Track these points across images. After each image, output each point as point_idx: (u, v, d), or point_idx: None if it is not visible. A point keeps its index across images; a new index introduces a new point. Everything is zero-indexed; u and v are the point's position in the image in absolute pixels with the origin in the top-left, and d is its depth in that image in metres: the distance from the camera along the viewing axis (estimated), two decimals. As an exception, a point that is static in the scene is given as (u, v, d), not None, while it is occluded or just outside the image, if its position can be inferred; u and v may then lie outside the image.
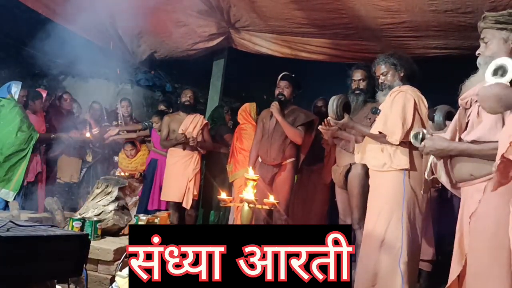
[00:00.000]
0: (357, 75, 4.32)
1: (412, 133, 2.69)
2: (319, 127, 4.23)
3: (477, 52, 2.46)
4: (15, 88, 5.08)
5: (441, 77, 5.03)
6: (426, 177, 2.65)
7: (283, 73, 4.78)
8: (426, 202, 3.42)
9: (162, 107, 6.54)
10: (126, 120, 6.51)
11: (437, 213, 4.53)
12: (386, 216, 3.31)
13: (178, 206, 5.60)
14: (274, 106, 4.64)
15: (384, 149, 3.41)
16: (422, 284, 4.39)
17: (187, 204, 5.51)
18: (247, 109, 6.10)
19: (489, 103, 2.08)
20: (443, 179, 2.55)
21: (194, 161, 5.58)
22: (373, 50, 5.51)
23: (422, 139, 2.57)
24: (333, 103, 3.66)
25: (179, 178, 5.50)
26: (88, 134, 5.95)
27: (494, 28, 2.38)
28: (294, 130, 4.64)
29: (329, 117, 3.76)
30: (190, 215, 5.66)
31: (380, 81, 3.64)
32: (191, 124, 5.60)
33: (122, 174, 5.97)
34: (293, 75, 4.80)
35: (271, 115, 4.72)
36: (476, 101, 2.34)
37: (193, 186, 5.52)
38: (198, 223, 6.13)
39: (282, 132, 4.67)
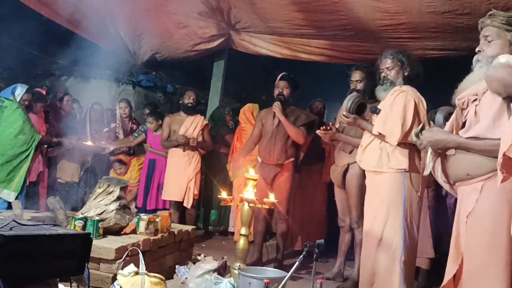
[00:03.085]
0: (355, 75, 4.36)
1: (413, 131, 2.67)
2: (317, 132, 4.27)
3: (477, 49, 2.44)
4: (19, 91, 5.10)
5: (439, 78, 5.06)
6: (425, 173, 2.66)
7: (282, 73, 4.83)
8: (422, 202, 3.45)
9: (147, 111, 6.58)
10: (125, 121, 6.53)
11: (435, 212, 4.54)
12: (383, 217, 3.33)
13: (178, 205, 5.65)
14: (277, 106, 4.67)
15: (383, 149, 3.43)
16: (420, 282, 4.41)
17: (188, 203, 5.56)
18: (250, 109, 6.16)
19: (495, 84, 2.09)
20: (439, 177, 2.56)
21: (194, 161, 5.64)
22: (372, 51, 5.55)
23: (422, 129, 2.57)
24: (349, 99, 3.72)
25: (180, 177, 5.56)
26: (89, 143, 5.98)
27: (502, 28, 2.36)
28: (297, 130, 4.69)
29: (341, 114, 3.78)
30: (190, 215, 5.71)
31: (383, 75, 3.60)
32: (192, 125, 5.65)
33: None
34: (291, 75, 4.84)
35: (274, 116, 4.75)
36: (474, 101, 2.35)
37: (193, 186, 5.58)
38: (199, 222, 6.18)
39: (284, 132, 4.72)
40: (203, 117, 5.88)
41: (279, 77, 4.82)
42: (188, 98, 5.77)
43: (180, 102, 5.97)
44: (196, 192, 5.63)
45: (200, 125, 5.69)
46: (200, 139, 5.63)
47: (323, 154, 5.08)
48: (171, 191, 5.62)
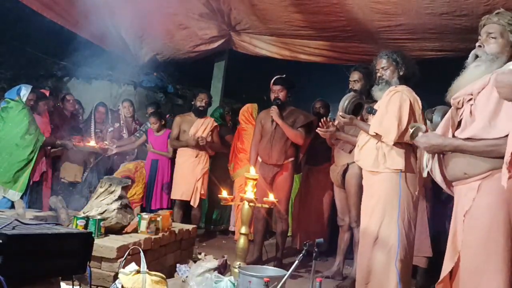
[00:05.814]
0: (353, 76, 4.40)
1: (410, 128, 2.69)
2: (317, 130, 4.29)
3: (477, 43, 2.44)
4: (25, 91, 5.11)
5: (438, 79, 5.09)
6: (424, 175, 2.67)
7: (275, 77, 4.83)
8: (419, 201, 3.46)
9: (150, 110, 6.61)
10: (128, 121, 6.56)
11: (433, 211, 4.56)
12: (379, 216, 3.34)
13: (183, 204, 5.70)
14: (274, 111, 4.70)
15: (379, 149, 3.44)
16: (418, 281, 4.43)
17: (195, 202, 5.61)
18: (249, 109, 6.19)
19: (505, 89, 2.07)
20: (438, 179, 2.58)
21: (202, 161, 5.70)
22: (370, 52, 5.57)
23: (415, 133, 2.58)
24: (345, 99, 3.76)
25: (188, 177, 5.61)
26: (92, 143, 6.00)
27: (507, 27, 2.37)
28: (295, 132, 4.71)
29: (338, 114, 3.81)
30: (195, 215, 5.73)
31: (378, 75, 3.62)
32: (202, 126, 5.71)
33: None
34: (284, 76, 4.83)
35: (272, 118, 4.78)
36: (469, 100, 2.37)
37: (201, 186, 5.63)
38: (201, 221, 6.20)
39: (283, 134, 4.74)
40: (213, 119, 5.91)
41: (272, 81, 4.83)
42: (201, 101, 5.78)
43: (192, 103, 5.97)
44: (203, 192, 5.67)
45: (210, 127, 5.74)
46: (209, 139, 5.68)
47: (330, 154, 5.09)
48: (179, 191, 5.66)
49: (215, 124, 5.85)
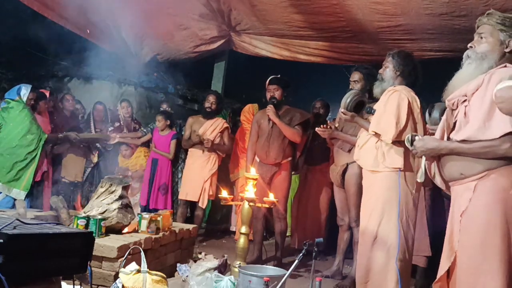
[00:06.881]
0: (354, 76, 4.40)
1: (406, 137, 2.72)
2: (316, 129, 4.31)
3: (469, 44, 2.46)
4: (25, 91, 5.11)
5: (437, 79, 5.10)
6: (419, 180, 2.69)
7: (271, 77, 4.85)
8: (418, 201, 3.46)
9: (164, 106, 6.63)
10: (127, 121, 6.57)
11: (433, 210, 4.57)
12: (378, 215, 3.34)
13: (188, 204, 5.72)
14: (270, 110, 4.72)
15: (378, 148, 3.44)
16: (418, 280, 4.43)
17: (203, 203, 5.62)
18: (250, 109, 6.22)
19: (506, 104, 2.08)
20: (437, 180, 2.58)
21: (211, 162, 5.70)
22: (370, 53, 5.61)
23: (412, 141, 2.61)
24: (348, 96, 3.77)
25: (196, 178, 5.63)
26: (93, 131, 6.05)
27: (496, 27, 2.38)
28: (292, 130, 4.73)
29: (340, 111, 3.84)
30: (198, 215, 5.73)
31: (380, 71, 3.66)
32: (211, 127, 5.70)
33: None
34: (280, 75, 4.86)
35: (269, 118, 4.80)
36: (463, 101, 2.38)
37: (209, 187, 5.64)
38: (203, 221, 6.21)
39: (280, 133, 4.76)
40: (224, 121, 5.88)
41: (268, 81, 4.86)
42: (208, 102, 5.73)
43: (202, 105, 5.97)
44: (211, 193, 5.67)
45: (219, 128, 5.72)
46: (217, 141, 5.67)
47: (328, 154, 5.10)
48: (187, 191, 5.67)
49: (226, 125, 5.81)
